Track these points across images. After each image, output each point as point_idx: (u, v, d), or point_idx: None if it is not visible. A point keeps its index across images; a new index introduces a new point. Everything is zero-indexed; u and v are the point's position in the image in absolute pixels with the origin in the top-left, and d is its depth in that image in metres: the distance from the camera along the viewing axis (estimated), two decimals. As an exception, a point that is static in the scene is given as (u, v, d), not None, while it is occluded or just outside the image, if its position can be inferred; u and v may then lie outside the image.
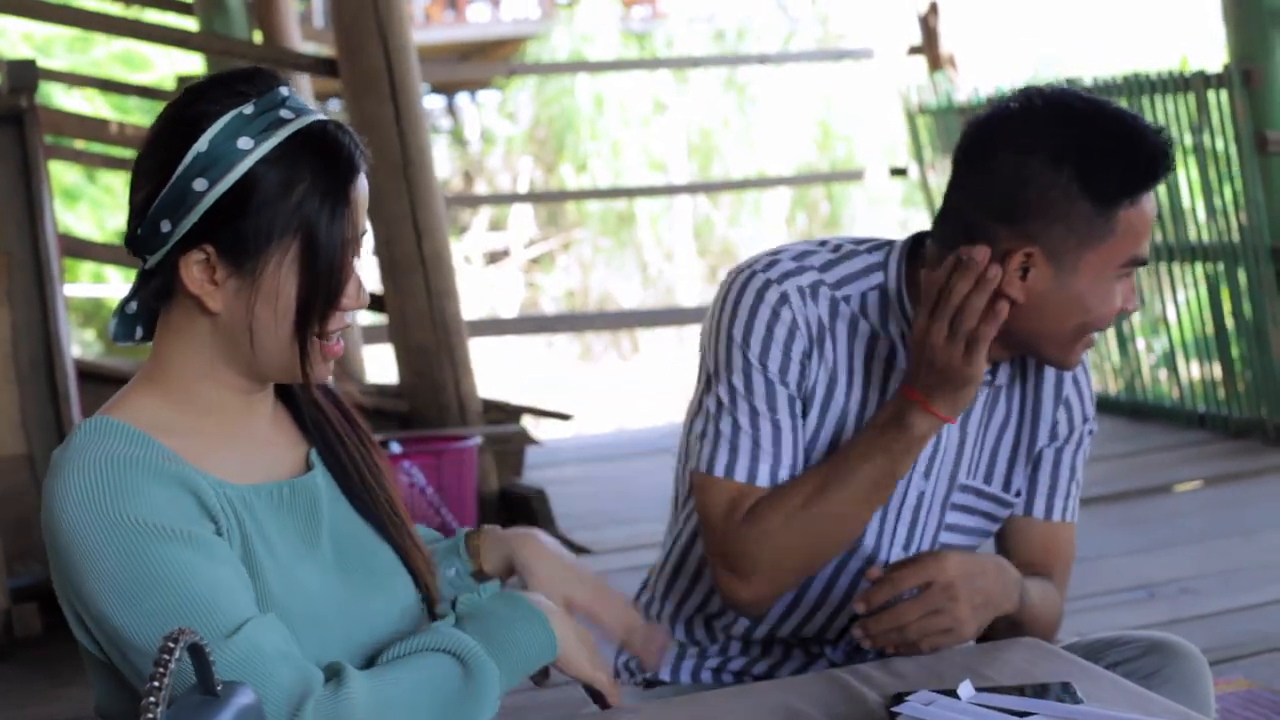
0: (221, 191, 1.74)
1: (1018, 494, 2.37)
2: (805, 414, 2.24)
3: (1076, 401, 2.38)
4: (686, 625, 2.43)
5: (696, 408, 2.29)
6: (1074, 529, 2.41)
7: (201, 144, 1.75)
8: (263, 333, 1.80)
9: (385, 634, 1.89)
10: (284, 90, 1.81)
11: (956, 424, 2.28)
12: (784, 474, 2.22)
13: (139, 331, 1.91)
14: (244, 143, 1.75)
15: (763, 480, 2.22)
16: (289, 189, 1.76)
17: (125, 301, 1.89)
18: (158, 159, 1.78)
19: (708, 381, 2.26)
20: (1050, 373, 2.34)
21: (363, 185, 1.81)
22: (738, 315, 2.23)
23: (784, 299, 2.22)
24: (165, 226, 1.77)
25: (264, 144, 1.76)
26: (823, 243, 2.31)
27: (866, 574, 2.10)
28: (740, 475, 2.22)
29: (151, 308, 1.87)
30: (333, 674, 1.77)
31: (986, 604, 2.10)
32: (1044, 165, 2.10)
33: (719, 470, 2.23)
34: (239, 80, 1.79)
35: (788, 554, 2.20)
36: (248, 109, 1.76)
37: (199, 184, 1.75)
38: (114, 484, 1.74)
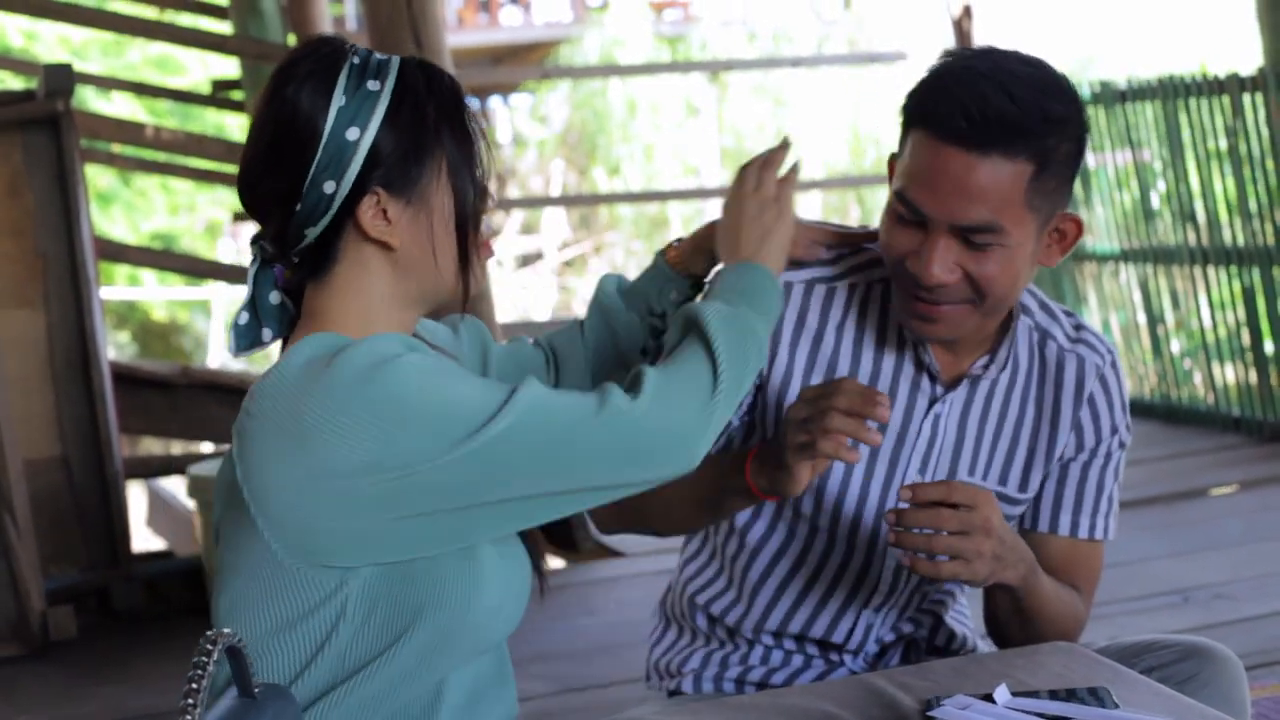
0: (374, 133, 1.85)
1: (1029, 493, 2.34)
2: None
3: (1105, 408, 2.34)
4: (708, 620, 2.44)
5: None
6: (1102, 547, 2.39)
7: (339, 97, 1.85)
8: (440, 248, 1.91)
9: (514, 623, 1.99)
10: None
11: (954, 421, 2.29)
12: None
13: (267, 333, 1.98)
14: (372, 85, 1.87)
15: None
16: (422, 113, 1.88)
17: (239, 313, 1.97)
18: (294, 138, 1.86)
19: None
20: (1070, 374, 2.32)
21: (463, 94, 1.95)
22: None
23: None
24: (329, 187, 1.86)
25: (387, 82, 1.88)
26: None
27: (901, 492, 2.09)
28: None
29: (295, 292, 1.96)
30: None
31: (1000, 558, 2.09)
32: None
33: None
34: (317, 47, 1.90)
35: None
36: (355, 59, 1.89)
37: (351, 133, 1.85)
38: (359, 352, 1.81)
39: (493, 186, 1.99)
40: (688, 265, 2.26)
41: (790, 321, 2.30)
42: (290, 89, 1.86)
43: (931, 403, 2.29)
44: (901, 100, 2.17)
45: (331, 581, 1.83)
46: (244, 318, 1.97)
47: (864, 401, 1.99)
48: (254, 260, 1.96)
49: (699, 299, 2.17)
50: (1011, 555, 2.12)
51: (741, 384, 1.93)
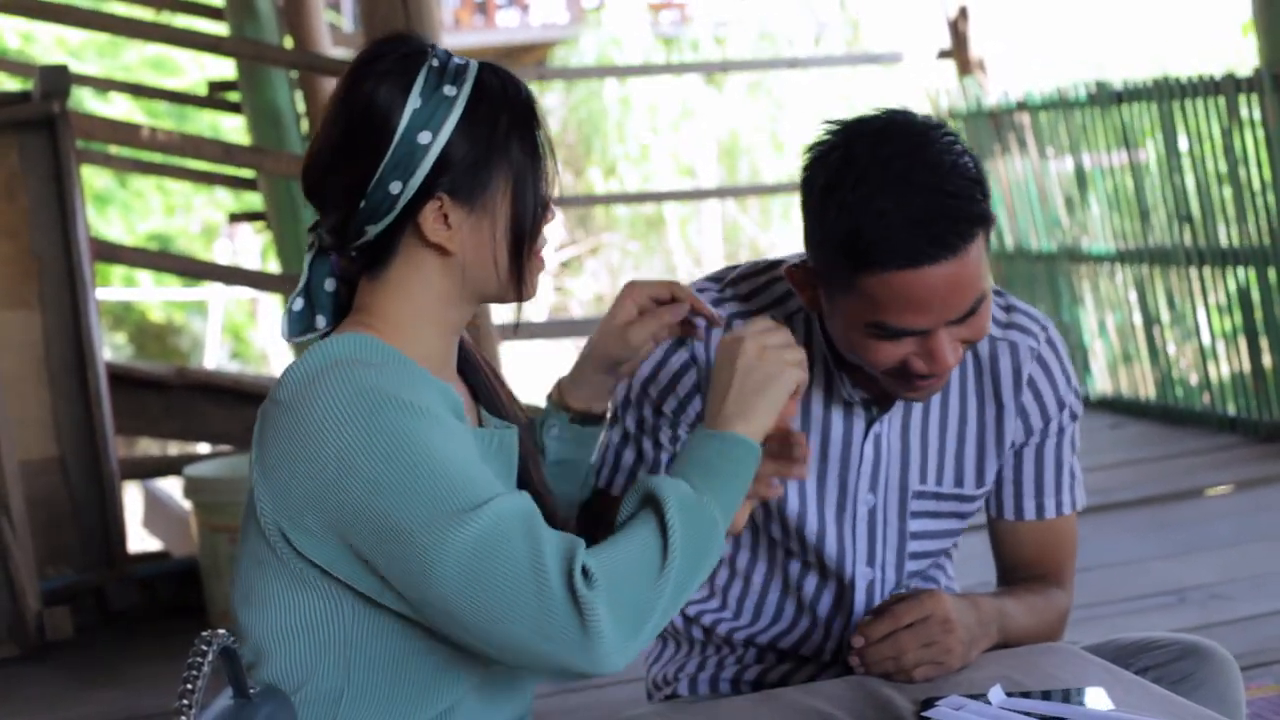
0: (446, 139, 1.86)
1: (986, 486, 2.34)
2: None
3: (1047, 387, 2.31)
4: (703, 631, 2.44)
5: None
6: (1073, 519, 2.39)
7: (415, 99, 1.86)
8: (499, 257, 1.91)
9: None
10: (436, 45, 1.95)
11: (897, 435, 2.28)
12: None
13: (321, 320, 1.99)
14: (449, 90, 1.88)
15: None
16: (494, 122, 1.89)
17: (294, 299, 1.97)
18: (366, 134, 1.87)
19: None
20: (1005, 363, 2.29)
21: (540, 107, 1.95)
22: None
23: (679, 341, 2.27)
24: (395, 187, 1.87)
25: (464, 88, 1.88)
26: (731, 277, 2.32)
27: (859, 626, 2.12)
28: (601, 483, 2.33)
29: (350, 280, 1.97)
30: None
31: (971, 640, 2.13)
32: (817, 197, 2.06)
33: (601, 482, 2.34)
34: (396, 44, 1.91)
35: None
36: (434, 62, 1.89)
37: (423, 137, 1.86)
38: (382, 377, 1.82)
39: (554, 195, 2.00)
40: (566, 399, 2.20)
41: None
42: (369, 84, 1.88)
43: (869, 424, 2.27)
44: (817, 240, 2.07)
45: (331, 590, 1.85)
46: (298, 304, 1.98)
47: (781, 445, 1.97)
48: (310, 247, 1.98)
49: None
50: (979, 630, 2.15)
51: (688, 584, 1.80)
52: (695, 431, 1.92)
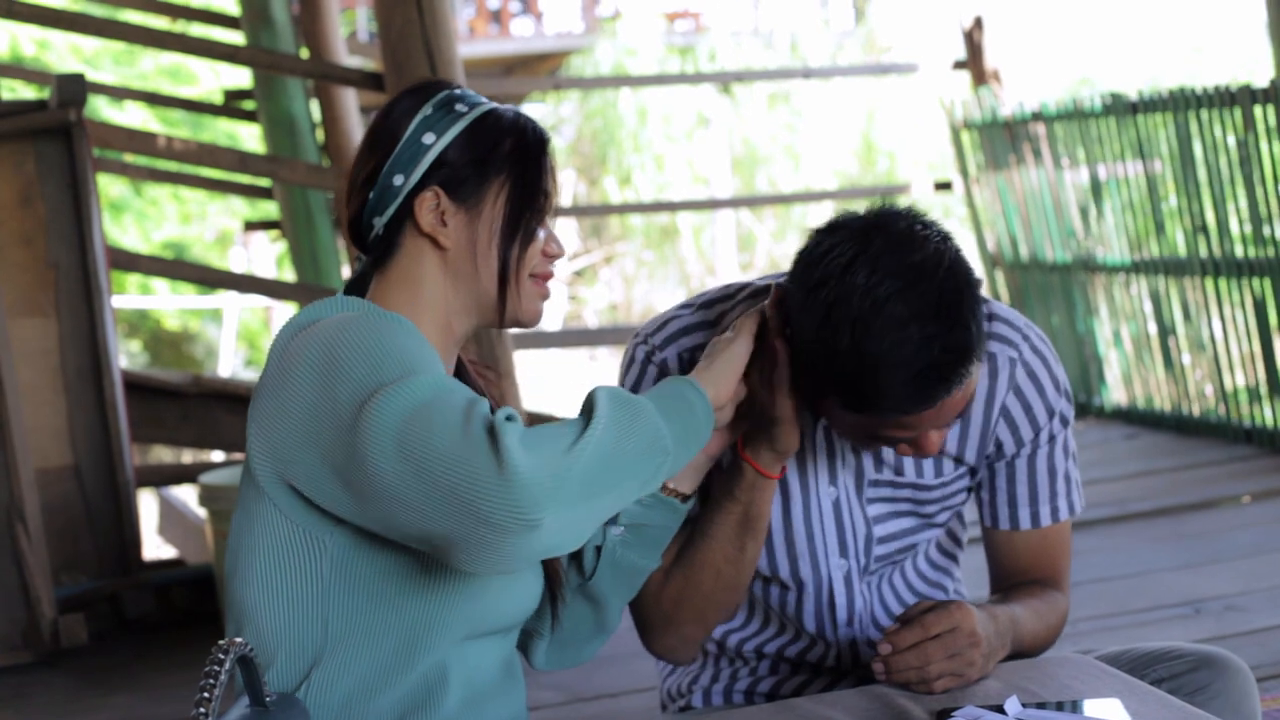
0: (447, 142, 2.04)
1: (941, 477, 2.33)
2: None
3: (1035, 394, 2.29)
4: (715, 644, 2.44)
5: None
6: (1067, 525, 2.39)
7: (426, 109, 2.06)
8: (483, 260, 2.06)
9: (518, 604, 2.07)
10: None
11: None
12: None
13: None
14: (460, 108, 2.07)
15: None
16: (497, 140, 2.07)
17: None
18: (381, 136, 2.07)
19: None
20: (982, 384, 2.27)
21: (552, 149, 2.13)
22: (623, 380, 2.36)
23: (664, 365, 2.32)
24: (399, 180, 2.05)
25: (476, 110, 2.08)
26: (701, 301, 2.36)
27: (886, 634, 2.12)
28: None
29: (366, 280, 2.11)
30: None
31: (991, 653, 2.14)
32: (813, 333, 2.06)
33: None
34: (428, 80, 2.14)
35: (679, 606, 2.28)
36: (455, 91, 2.10)
37: (428, 138, 2.05)
38: (354, 313, 1.98)
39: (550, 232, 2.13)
40: (675, 483, 2.21)
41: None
42: (392, 103, 2.09)
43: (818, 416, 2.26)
44: (812, 366, 2.08)
45: (313, 530, 1.93)
46: None
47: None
48: (347, 289, 2.13)
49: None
50: (996, 641, 2.15)
51: (617, 454, 1.83)
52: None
